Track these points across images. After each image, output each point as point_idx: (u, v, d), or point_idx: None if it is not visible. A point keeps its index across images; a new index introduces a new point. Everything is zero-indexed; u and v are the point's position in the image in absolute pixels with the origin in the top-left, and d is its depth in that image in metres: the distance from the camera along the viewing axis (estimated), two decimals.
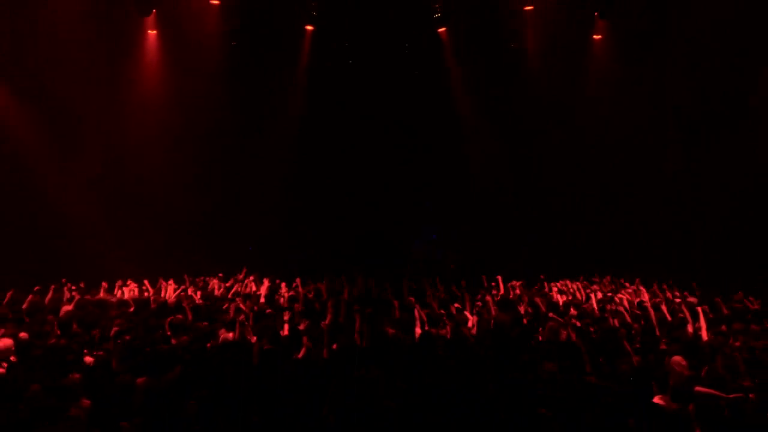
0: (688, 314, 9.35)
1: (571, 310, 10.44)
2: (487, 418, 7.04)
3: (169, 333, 8.22)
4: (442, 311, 10.02)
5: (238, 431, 6.88)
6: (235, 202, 18.54)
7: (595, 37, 17.58)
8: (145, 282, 13.25)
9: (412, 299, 10.59)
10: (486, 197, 19.48)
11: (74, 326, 8.75)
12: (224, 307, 10.47)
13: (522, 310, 10.66)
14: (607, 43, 17.47)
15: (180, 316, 8.93)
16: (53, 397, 5.98)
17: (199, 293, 12.42)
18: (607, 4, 16.34)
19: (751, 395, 6.18)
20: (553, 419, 7.11)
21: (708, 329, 8.85)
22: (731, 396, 6.13)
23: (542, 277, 14.22)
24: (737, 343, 7.77)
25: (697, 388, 6.28)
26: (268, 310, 9.88)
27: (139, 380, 6.60)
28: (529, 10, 16.86)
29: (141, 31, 16.80)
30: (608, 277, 14.49)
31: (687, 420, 6.15)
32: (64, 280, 12.12)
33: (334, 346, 8.08)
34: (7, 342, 7.37)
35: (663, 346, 7.90)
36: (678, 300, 11.55)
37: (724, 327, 8.98)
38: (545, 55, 17.53)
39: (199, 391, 6.92)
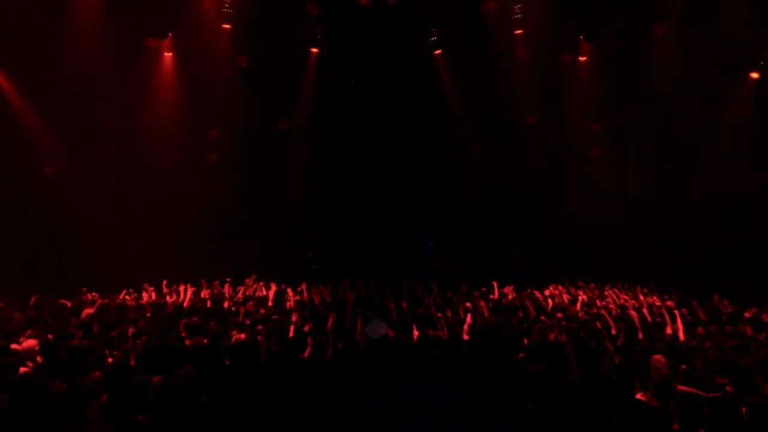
0: (667, 317, 9.36)
1: (558, 313, 10.44)
2: (482, 414, 7.07)
3: (184, 334, 8.21)
4: (439, 314, 10.02)
5: (246, 426, 6.89)
6: (244, 210, 18.57)
7: (581, 58, 17.65)
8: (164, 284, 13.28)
9: (404, 305, 10.58)
10: (485, 199, 19.37)
11: (95, 328, 8.76)
12: (234, 309, 10.47)
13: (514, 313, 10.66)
14: (594, 59, 17.47)
15: (195, 319, 8.92)
16: (75, 395, 5.99)
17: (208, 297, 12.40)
18: (591, 27, 16.44)
19: (728, 388, 6.18)
20: (543, 415, 7.13)
21: (685, 331, 8.86)
22: (711, 395, 6.14)
23: (529, 289, 14.24)
24: (709, 344, 7.77)
25: (680, 387, 6.30)
26: (274, 317, 9.85)
27: (155, 378, 6.61)
28: (519, 33, 16.99)
29: (158, 53, 16.88)
30: (592, 284, 14.49)
31: (667, 416, 6.16)
32: (84, 289, 12.16)
33: (339, 345, 8.12)
34: (32, 342, 7.38)
35: (644, 346, 7.91)
36: (658, 303, 11.56)
37: (700, 329, 8.99)
38: (537, 69, 17.56)
39: (211, 389, 6.94)
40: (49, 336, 8.00)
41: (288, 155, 19.06)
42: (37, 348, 7.34)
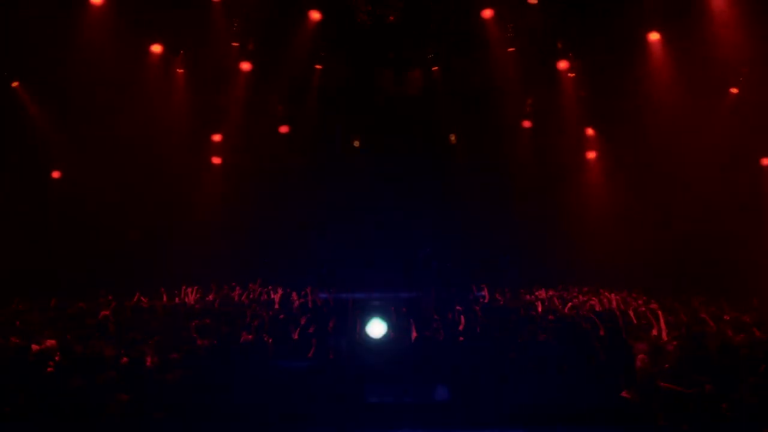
0: (651, 318, 9.42)
1: (549, 315, 10.48)
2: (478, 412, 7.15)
3: (195, 335, 8.28)
4: (437, 316, 10.07)
5: (253, 420, 6.96)
6: (249, 216, 18.58)
7: (570, 75, 17.68)
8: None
9: (403, 308, 10.62)
10: (478, 203, 19.34)
11: (111, 329, 8.83)
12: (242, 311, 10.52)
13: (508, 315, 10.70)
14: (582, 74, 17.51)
15: (207, 320, 8.99)
16: (92, 392, 6.05)
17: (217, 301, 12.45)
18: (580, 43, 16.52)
19: (707, 386, 6.24)
20: (536, 412, 7.20)
21: (668, 332, 8.91)
22: (692, 390, 6.20)
23: (522, 291, 14.25)
24: (691, 344, 7.82)
25: (662, 384, 6.36)
26: (281, 316, 9.92)
27: (169, 376, 6.67)
28: (512, 51, 17.02)
29: (166, 58, 16.87)
30: (585, 288, 14.51)
31: (651, 411, 6.23)
32: (102, 291, 12.23)
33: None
34: (52, 342, 7.45)
35: (630, 346, 7.97)
36: (642, 308, 11.59)
37: (683, 330, 9.05)
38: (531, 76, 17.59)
39: (220, 386, 7.01)
40: (68, 336, 8.06)
41: (292, 159, 19.09)
42: (57, 347, 7.42)
